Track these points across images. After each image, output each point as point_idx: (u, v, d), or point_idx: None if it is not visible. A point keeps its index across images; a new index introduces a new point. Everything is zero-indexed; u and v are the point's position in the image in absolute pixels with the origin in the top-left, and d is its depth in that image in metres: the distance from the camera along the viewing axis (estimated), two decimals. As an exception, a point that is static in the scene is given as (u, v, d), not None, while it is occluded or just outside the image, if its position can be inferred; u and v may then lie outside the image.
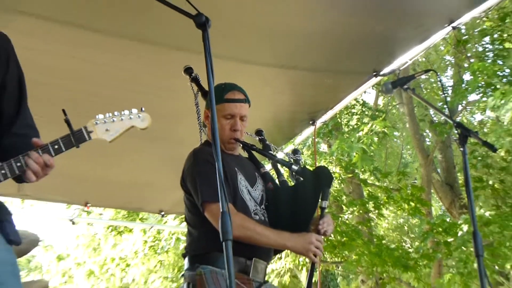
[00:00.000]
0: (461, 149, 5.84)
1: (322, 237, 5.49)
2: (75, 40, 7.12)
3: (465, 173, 5.83)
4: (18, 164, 3.87)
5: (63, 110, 3.96)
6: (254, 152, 5.89)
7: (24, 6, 6.72)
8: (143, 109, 4.26)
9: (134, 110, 4.23)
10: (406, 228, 17.11)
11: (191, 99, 5.50)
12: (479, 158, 15.11)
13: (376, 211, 16.11)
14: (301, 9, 7.55)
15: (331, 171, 5.90)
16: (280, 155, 7.34)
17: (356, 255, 14.54)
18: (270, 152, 6.06)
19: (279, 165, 6.01)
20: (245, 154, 5.95)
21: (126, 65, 7.34)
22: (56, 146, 3.94)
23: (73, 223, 15.73)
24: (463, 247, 14.03)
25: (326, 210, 5.64)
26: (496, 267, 14.84)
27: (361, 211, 15.72)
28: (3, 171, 3.87)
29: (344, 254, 14.48)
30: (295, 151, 6.19)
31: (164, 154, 5.96)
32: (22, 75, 4.34)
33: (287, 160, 5.92)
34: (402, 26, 8.17)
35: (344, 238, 14.36)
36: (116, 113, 4.19)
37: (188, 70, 5.47)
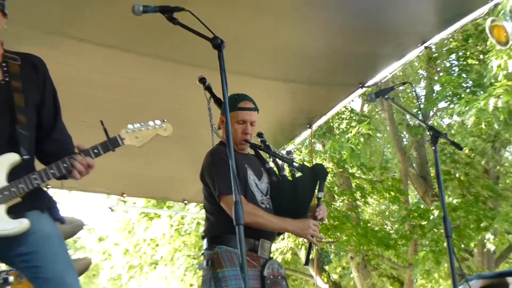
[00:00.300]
0: (433, 147, 5.84)
1: (318, 222, 5.54)
2: (110, 58, 7.15)
3: (436, 168, 5.83)
4: (65, 165, 4.04)
5: (101, 122, 4.15)
6: (260, 151, 5.90)
7: (70, 31, 6.74)
8: (165, 120, 4.39)
9: (158, 121, 4.38)
10: (387, 213, 17.08)
11: (206, 107, 5.51)
12: (448, 155, 15.09)
13: (363, 200, 16.11)
14: (299, 32, 7.57)
15: (325, 167, 5.90)
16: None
17: (346, 236, 14.53)
18: (274, 152, 6.06)
19: (278, 162, 6.01)
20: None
21: (152, 79, 7.35)
22: (95, 151, 4.13)
23: (112, 210, 15.76)
24: (434, 229, 14.01)
25: (321, 197, 5.67)
26: (462, 245, 14.82)
27: (350, 200, 15.72)
28: (52, 171, 4.04)
29: (336, 235, 14.44)
30: (288, 152, 6.19)
31: (186, 153, 5.95)
32: (56, 92, 4.43)
33: (286, 159, 5.92)
34: (383, 46, 8.18)
35: (336, 222, 14.35)
36: (143, 123, 4.33)
37: (202, 80, 5.46)
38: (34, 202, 4.13)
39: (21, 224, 3.98)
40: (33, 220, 4.02)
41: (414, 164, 15.63)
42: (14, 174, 4.03)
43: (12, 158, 4.07)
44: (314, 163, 6.62)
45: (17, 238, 4.00)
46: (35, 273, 4.01)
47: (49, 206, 4.23)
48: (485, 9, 7.77)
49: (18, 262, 4.13)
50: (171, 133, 4.43)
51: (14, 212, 3.99)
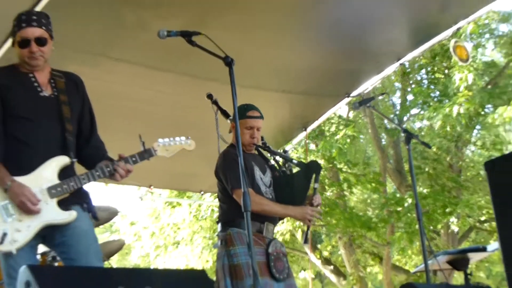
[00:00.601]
0: (407, 146, 5.87)
1: (316, 207, 5.65)
2: (140, 75, 7.19)
3: (409, 163, 5.84)
4: (108, 169, 4.17)
5: (140, 136, 4.31)
6: (263, 151, 5.93)
7: (107, 52, 6.76)
8: (189, 137, 4.55)
9: (183, 138, 4.55)
10: (369, 201, 17.04)
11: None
12: (419, 152, 15.07)
13: (349, 190, 16.09)
14: (296, 52, 7.60)
15: (319, 163, 5.95)
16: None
17: (335, 220, 14.52)
18: (276, 150, 6.10)
19: (280, 160, 6.04)
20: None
21: (174, 92, 7.38)
22: (133, 159, 4.27)
23: (141, 199, 15.84)
24: (408, 214, 14.00)
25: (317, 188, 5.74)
26: (431, 227, 14.81)
27: (338, 190, 15.69)
28: (97, 173, 4.16)
29: (326, 220, 14.43)
30: (284, 151, 6.24)
31: (201, 153, 5.93)
32: (91, 106, 4.51)
33: (285, 157, 5.97)
34: (365, 63, 8.21)
35: (327, 209, 14.34)
36: (172, 139, 4.48)
37: (210, 96, 5.48)
38: (77, 198, 4.22)
39: (70, 215, 4.09)
40: (76, 214, 4.15)
41: (391, 160, 15.60)
42: (63, 173, 4.14)
43: (63, 160, 4.18)
44: (310, 160, 6.66)
45: (61, 229, 4.10)
46: (69, 263, 4.12)
47: (87, 201, 4.32)
48: (449, 32, 7.79)
49: (58, 251, 4.30)
50: (194, 148, 4.59)
51: (62, 205, 4.08)
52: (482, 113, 14.28)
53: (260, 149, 5.84)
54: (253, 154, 5.73)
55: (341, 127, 14.29)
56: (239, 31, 6.65)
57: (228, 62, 4.11)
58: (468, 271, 5.87)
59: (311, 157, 14.43)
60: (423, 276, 6.13)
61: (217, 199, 5.90)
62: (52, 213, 4.04)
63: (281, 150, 7.66)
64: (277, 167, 5.92)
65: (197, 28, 4.20)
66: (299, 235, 15.19)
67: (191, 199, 16.04)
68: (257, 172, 5.64)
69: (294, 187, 5.76)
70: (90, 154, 4.40)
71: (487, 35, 16.14)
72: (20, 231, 3.94)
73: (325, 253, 16.81)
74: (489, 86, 14.80)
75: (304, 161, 6.08)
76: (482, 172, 14.12)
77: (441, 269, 6.31)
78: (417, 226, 12.76)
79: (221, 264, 5.47)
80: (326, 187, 15.26)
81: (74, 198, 4.18)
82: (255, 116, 5.62)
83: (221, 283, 5.42)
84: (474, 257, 5.96)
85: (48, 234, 4.10)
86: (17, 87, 4.20)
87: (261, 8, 6.74)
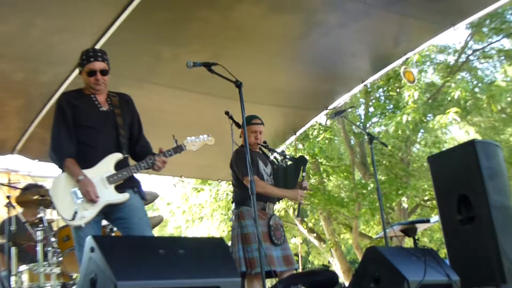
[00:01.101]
0: (370, 145, 5.84)
1: (304, 191, 5.68)
2: (174, 95, 7.22)
3: (372, 158, 5.82)
4: (150, 161, 4.31)
5: (173, 135, 4.39)
6: (265, 149, 5.95)
7: (149, 78, 6.76)
8: (210, 135, 4.60)
9: (205, 136, 4.59)
10: (341, 186, 17.01)
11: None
12: (378, 150, 15.03)
13: (327, 178, 16.08)
14: (286, 77, 7.60)
15: (306, 159, 5.96)
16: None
17: (317, 200, 14.47)
18: (273, 149, 6.13)
19: (277, 156, 6.06)
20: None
21: (199, 106, 7.40)
22: (169, 153, 4.37)
23: (175, 186, 15.85)
24: (371, 195, 13.95)
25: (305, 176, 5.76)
26: (388, 204, 14.78)
27: (319, 178, 15.66)
28: (143, 164, 4.31)
29: (311, 200, 14.38)
30: (282, 151, 6.29)
31: (219, 151, 5.95)
32: (139, 117, 4.62)
33: (280, 153, 5.98)
34: (338, 84, 8.20)
35: (311, 192, 14.31)
36: (196, 137, 4.55)
37: (227, 113, 5.50)
38: (130, 183, 4.34)
39: (124, 197, 4.22)
40: (130, 196, 4.26)
41: (358, 156, 15.53)
42: (118, 165, 4.28)
43: (117, 156, 4.31)
44: (299, 156, 6.71)
45: (118, 207, 4.23)
46: (127, 232, 4.23)
47: (137, 186, 4.41)
48: (400, 61, 7.78)
49: (117, 223, 4.38)
50: (213, 143, 4.61)
51: (118, 189, 4.22)
52: (425, 120, 14.24)
53: (262, 148, 5.87)
54: (257, 151, 5.78)
55: (321, 132, 14.28)
56: (245, 62, 6.66)
57: (238, 84, 4.19)
58: (416, 237, 5.85)
59: (299, 154, 14.46)
60: (382, 241, 6.11)
61: (231, 185, 5.91)
62: (110, 195, 4.19)
63: (279, 149, 7.68)
64: (276, 161, 5.97)
65: (215, 60, 4.23)
66: (291, 212, 15.16)
67: (211, 185, 16.07)
68: (261, 165, 5.70)
69: (288, 175, 5.83)
70: (139, 151, 4.52)
71: (428, 63, 16.11)
72: (87, 210, 4.11)
73: (310, 224, 16.75)
74: (430, 101, 14.74)
75: (294, 156, 6.09)
76: (425, 164, 14.08)
77: (396, 235, 6.29)
78: (377, 204, 12.70)
79: (235, 234, 5.51)
80: (311, 175, 15.21)
81: (127, 184, 4.31)
82: (258, 123, 5.72)
83: (235, 247, 5.47)
84: (420, 227, 5.95)
85: (108, 211, 4.22)
86: (83, 105, 4.34)
87: (261, 46, 6.76)
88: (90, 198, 4.08)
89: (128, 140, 4.47)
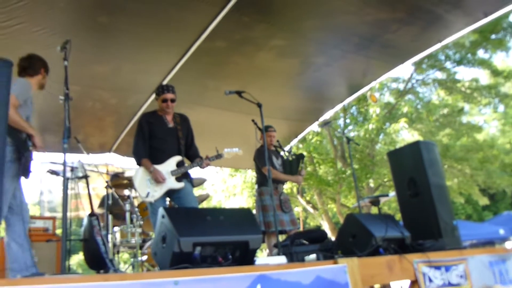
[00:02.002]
0: (348, 145, 5.77)
1: (303, 176, 5.68)
2: (214, 113, 7.18)
3: (349, 153, 5.76)
4: (200, 163, 4.39)
5: (216, 147, 4.49)
6: (278, 148, 5.92)
7: (199, 102, 6.77)
8: (239, 148, 4.62)
9: (236, 148, 4.61)
10: (328, 172, 16.90)
11: (253, 131, 5.51)
12: (353, 147, 14.87)
13: (318, 167, 15.96)
14: (289, 99, 7.55)
15: (304, 154, 5.92)
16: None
17: (312, 182, 14.41)
18: (283, 148, 6.09)
19: (285, 153, 6.03)
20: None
21: (233, 120, 7.27)
22: (212, 159, 4.43)
23: (217, 172, 15.97)
24: (348, 179, 13.86)
25: (303, 166, 5.72)
26: (360, 184, 14.64)
27: (313, 167, 15.56)
28: (194, 164, 4.40)
29: (308, 182, 14.30)
30: (289, 150, 6.27)
31: (246, 148, 5.94)
32: (193, 131, 4.65)
33: (287, 151, 5.94)
34: (324, 104, 8.11)
35: (307, 176, 14.22)
36: (231, 148, 4.56)
37: (253, 120, 5.48)
38: (185, 176, 4.41)
39: (180, 184, 4.33)
40: (184, 184, 4.33)
41: (339, 152, 15.40)
42: (178, 164, 4.37)
43: (178, 157, 4.42)
44: (299, 153, 6.68)
45: (178, 191, 4.32)
46: (182, 205, 4.28)
47: (189, 178, 4.45)
48: (367, 88, 7.70)
49: (176, 201, 4.38)
50: (242, 154, 4.63)
51: (177, 179, 4.33)
52: (384, 127, 14.10)
53: (275, 147, 5.84)
54: (272, 149, 5.76)
55: (314, 136, 14.20)
56: (263, 90, 6.60)
57: (259, 105, 4.20)
58: (379, 207, 5.79)
59: (300, 151, 14.40)
60: (357, 209, 6.06)
61: (254, 172, 5.90)
62: (172, 183, 4.34)
63: (286, 148, 7.64)
64: (284, 156, 5.93)
65: (243, 89, 4.22)
66: (294, 190, 15.10)
67: (242, 172, 16.05)
68: (274, 158, 5.68)
69: (292, 166, 5.77)
70: (191, 155, 4.56)
71: (385, 88, 15.96)
72: (156, 191, 4.25)
73: (307, 198, 16.67)
74: (387, 114, 14.59)
75: (296, 153, 6.06)
76: (385, 157, 13.94)
77: (366, 205, 6.24)
78: (353, 184, 12.58)
79: (257, 205, 5.49)
80: (307, 165, 15.13)
81: (183, 176, 4.39)
82: (272, 130, 5.76)
83: (257, 214, 5.46)
84: (382, 199, 5.87)
85: (170, 193, 4.33)
86: (157, 123, 4.45)
87: (273, 79, 6.74)
88: (158, 181, 4.20)
89: (184, 146, 4.50)
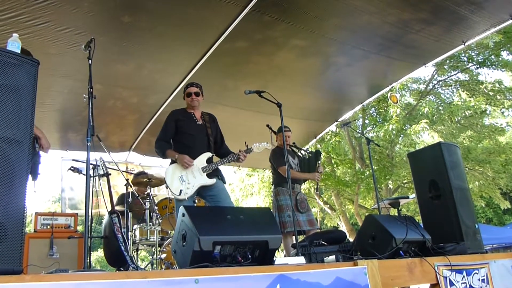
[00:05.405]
0: (368, 146, 5.72)
1: (321, 173, 5.64)
2: (233, 112, 7.19)
3: (369, 154, 5.70)
4: (236, 156, 4.42)
5: (245, 142, 4.54)
6: (294, 148, 5.91)
7: (221, 101, 6.79)
8: (268, 142, 4.68)
9: (265, 143, 4.65)
10: (346, 173, 16.75)
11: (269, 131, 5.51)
12: (372, 148, 14.75)
13: (336, 167, 15.83)
14: (307, 99, 7.52)
15: (321, 152, 5.91)
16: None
17: (330, 182, 14.34)
18: (300, 147, 6.08)
19: (302, 152, 6.02)
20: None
21: (252, 119, 7.27)
22: (247, 152, 4.48)
23: (235, 172, 15.86)
24: (366, 180, 13.74)
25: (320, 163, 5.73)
26: (378, 186, 14.50)
27: (331, 167, 15.47)
28: (224, 160, 4.41)
29: (326, 182, 14.24)
30: (306, 149, 6.28)
31: (266, 150, 5.95)
32: (220, 129, 4.71)
33: (305, 150, 5.93)
34: (344, 104, 8.09)
35: (325, 176, 14.16)
36: (260, 143, 4.62)
37: (268, 125, 5.44)
38: (215, 172, 4.44)
39: (212, 181, 4.37)
40: (216, 180, 4.35)
41: (357, 152, 15.28)
42: (208, 160, 4.41)
43: (208, 154, 4.46)
44: (316, 150, 6.69)
45: (209, 188, 4.33)
46: (216, 204, 4.28)
47: (220, 174, 4.48)
48: (387, 88, 7.63)
49: (209, 199, 4.38)
50: (271, 147, 4.71)
51: (208, 176, 4.36)
52: (404, 128, 13.93)
53: (292, 147, 5.83)
54: (288, 150, 5.74)
55: (332, 136, 14.11)
56: (283, 90, 6.61)
57: (279, 105, 4.10)
58: (400, 208, 5.72)
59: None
60: (376, 211, 6.01)
61: (271, 173, 5.89)
62: (203, 180, 4.32)
63: (304, 148, 7.62)
64: (301, 155, 5.92)
65: (263, 88, 4.19)
66: (312, 190, 15.00)
67: (259, 172, 16.05)
68: (290, 158, 5.68)
69: (309, 164, 5.78)
70: (222, 152, 4.62)
71: (406, 89, 15.79)
72: (188, 189, 4.26)
73: (325, 199, 16.58)
74: (407, 115, 14.42)
75: (313, 151, 6.06)
76: (405, 159, 13.80)
77: (385, 207, 6.18)
78: (372, 185, 12.49)
79: (274, 205, 5.49)
80: (325, 166, 15.05)
81: (214, 172, 4.40)
82: (287, 130, 5.69)
83: (274, 214, 5.44)
84: (402, 201, 5.81)
85: (201, 190, 4.35)
86: (186, 119, 4.53)
87: (293, 79, 6.72)
88: (186, 165, 4.24)
89: (214, 144, 4.54)
